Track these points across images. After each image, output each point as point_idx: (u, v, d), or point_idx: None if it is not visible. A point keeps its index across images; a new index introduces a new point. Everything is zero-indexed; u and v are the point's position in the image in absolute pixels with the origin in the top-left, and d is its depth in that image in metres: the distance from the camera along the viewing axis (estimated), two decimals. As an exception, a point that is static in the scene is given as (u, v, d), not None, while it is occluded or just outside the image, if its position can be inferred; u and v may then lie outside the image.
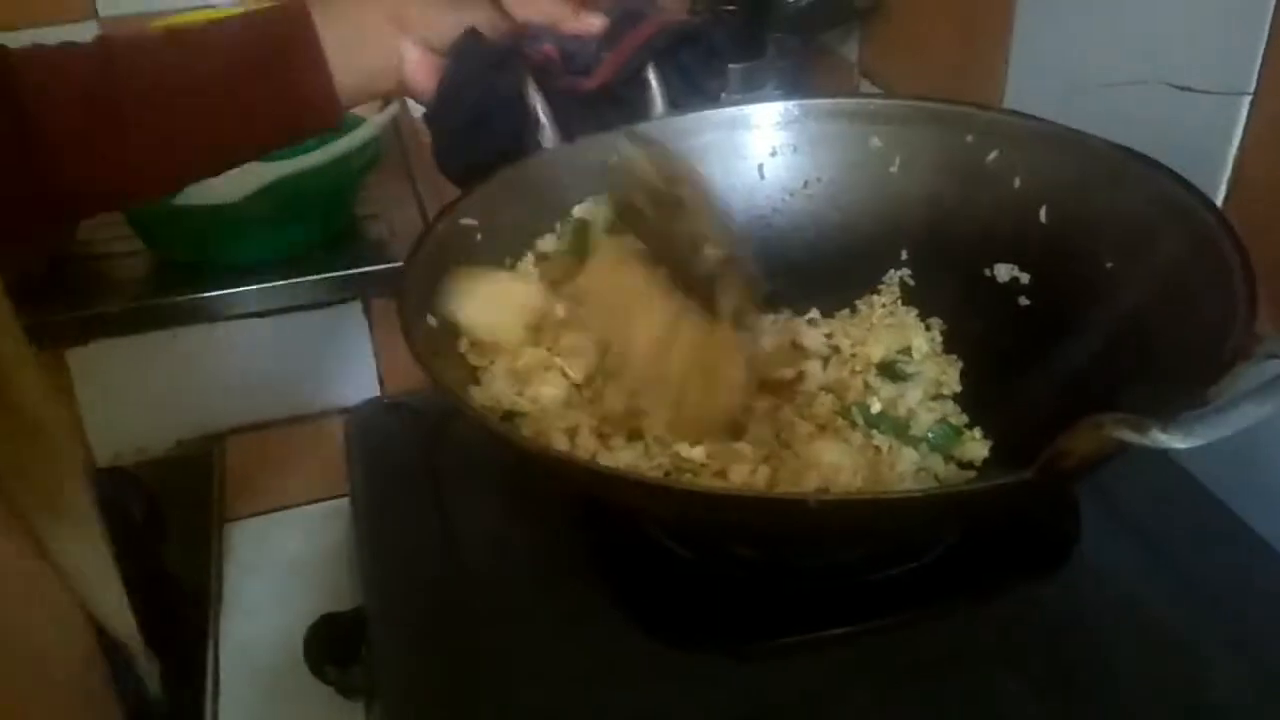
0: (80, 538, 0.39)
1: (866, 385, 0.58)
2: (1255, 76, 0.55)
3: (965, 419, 0.57)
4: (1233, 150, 0.57)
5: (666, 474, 0.50)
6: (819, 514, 0.38)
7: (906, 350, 0.61)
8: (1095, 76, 0.66)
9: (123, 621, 0.41)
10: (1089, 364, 0.53)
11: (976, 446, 0.55)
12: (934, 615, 0.50)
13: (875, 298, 0.64)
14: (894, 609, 0.50)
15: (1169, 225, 0.51)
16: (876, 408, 0.56)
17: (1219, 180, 0.58)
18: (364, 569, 0.57)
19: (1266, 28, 0.54)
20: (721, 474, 0.50)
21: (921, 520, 0.44)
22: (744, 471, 0.50)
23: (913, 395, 0.57)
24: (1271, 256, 0.46)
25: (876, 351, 0.60)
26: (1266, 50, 0.54)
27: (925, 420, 0.56)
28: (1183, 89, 0.59)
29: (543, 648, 0.51)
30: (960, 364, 0.60)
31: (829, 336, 0.62)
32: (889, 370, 0.59)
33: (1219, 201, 0.58)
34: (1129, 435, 0.35)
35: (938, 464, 0.54)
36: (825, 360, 0.60)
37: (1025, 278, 0.59)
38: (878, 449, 0.54)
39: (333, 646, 0.59)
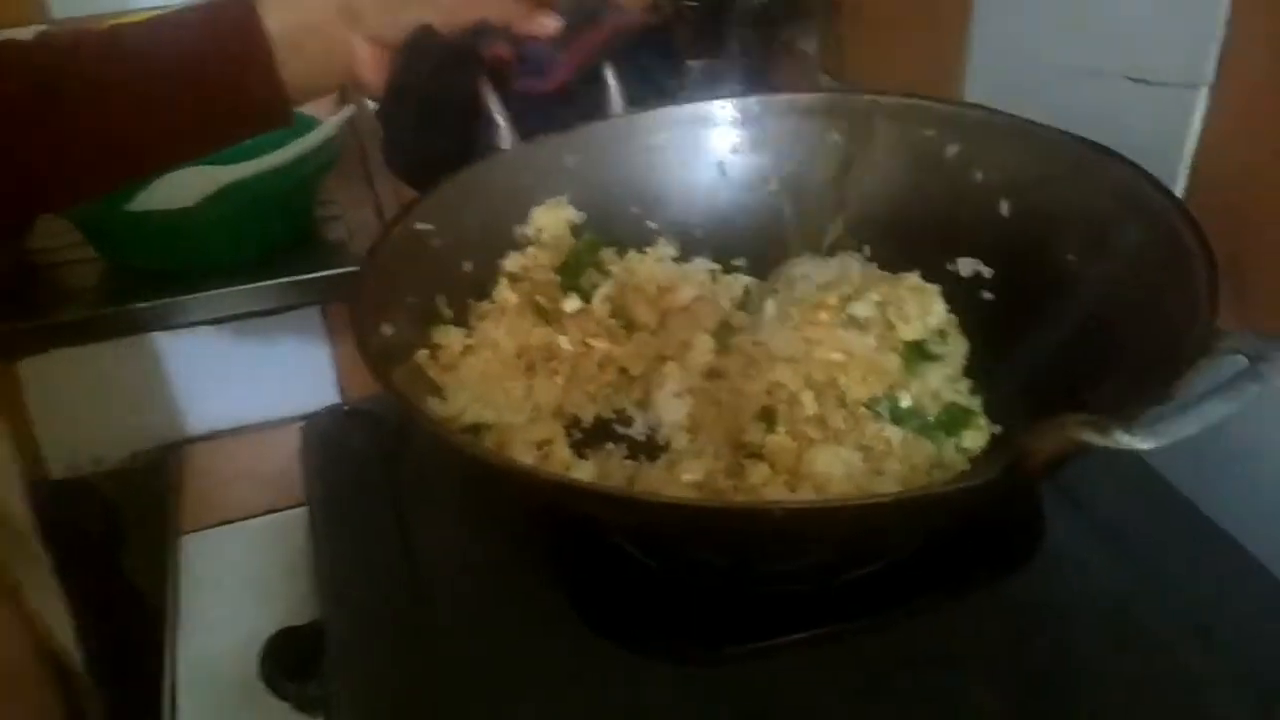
0: (17, 553, 0.38)
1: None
2: (1213, 68, 0.55)
3: (978, 400, 0.55)
4: (1191, 142, 0.57)
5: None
6: (783, 523, 0.37)
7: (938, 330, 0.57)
8: (1055, 68, 0.65)
9: (64, 637, 0.40)
10: (1054, 359, 0.53)
11: (979, 435, 0.53)
12: (899, 617, 0.50)
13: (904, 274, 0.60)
14: (858, 612, 0.49)
15: (1130, 218, 0.51)
16: (906, 402, 0.53)
17: (1178, 172, 0.58)
18: (321, 581, 0.56)
19: (1224, 19, 0.54)
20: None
21: (888, 525, 0.43)
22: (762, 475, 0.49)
23: (934, 377, 0.54)
24: (1230, 249, 0.46)
25: (909, 330, 0.56)
26: (1224, 41, 0.54)
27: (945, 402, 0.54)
28: (1141, 81, 0.59)
29: (504, 659, 0.49)
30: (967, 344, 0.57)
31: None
32: (919, 350, 0.55)
33: (1178, 193, 0.58)
34: (1092, 437, 0.34)
35: (950, 453, 0.52)
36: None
37: (988, 272, 0.58)
38: (888, 442, 0.52)
39: (290, 661, 0.57)
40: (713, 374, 0.56)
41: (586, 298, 0.60)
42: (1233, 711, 0.45)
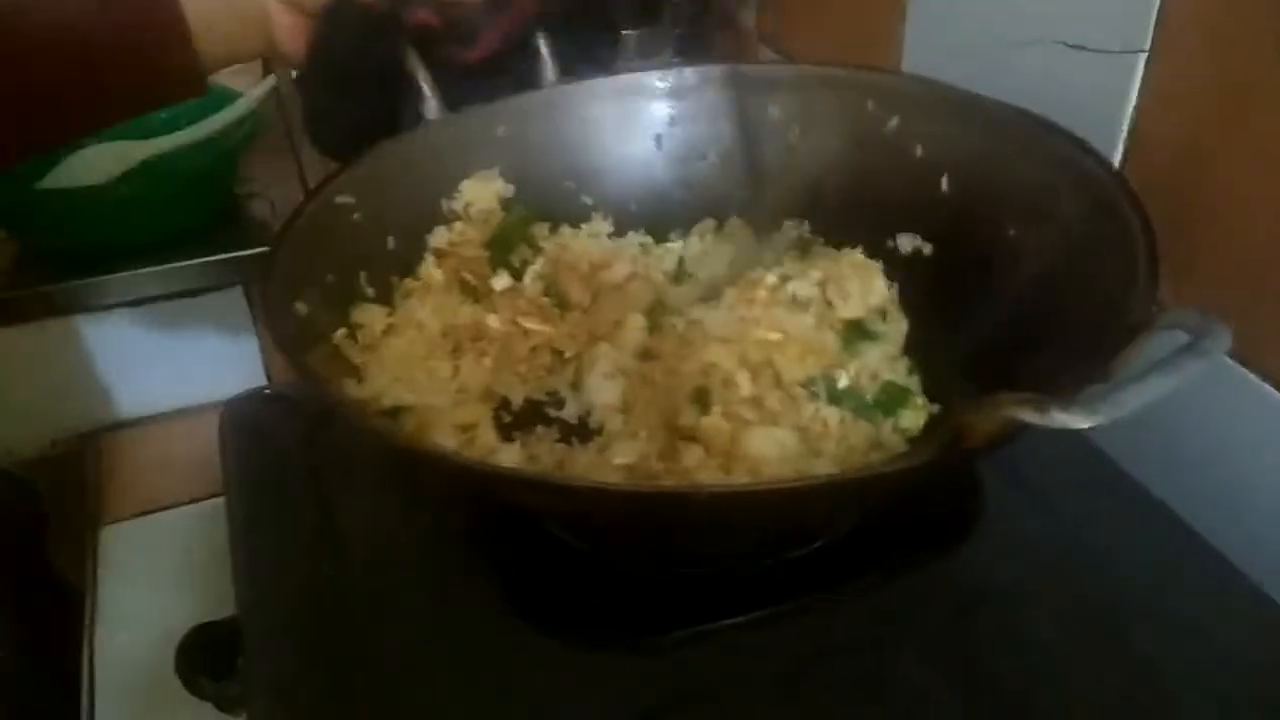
0: None
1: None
2: (1150, 34, 0.54)
3: (916, 379, 0.54)
4: (1129, 110, 0.56)
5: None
6: (710, 507, 0.35)
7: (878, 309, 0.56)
8: (992, 36, 0.64)
9: None
10: (994, 336, 0.52)
11: (917, 415, 0.52)
12: (836, 598, 0.49)
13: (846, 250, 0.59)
14: (794, 593, 0.48)
15: (1069, 190, 0.50)
16: (843, 383, 0.52)
17: (1116, 140, 0.57)
18: (237, 574, 0.53)
19: (1161, -15, 0.53)
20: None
21: (821, 508, 0.42)
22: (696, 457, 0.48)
23: (872, 356, 0.54)
24: (1169, 220, 0.45)
25: (848, 309, 0.55)
26: (1161, 8, 0.53)
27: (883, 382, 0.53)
28: (1078, 48, 0.58)
29: (429, 651, 0.48)
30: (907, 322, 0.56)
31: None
32: (858, 329, 0.55)
33: (1117, 161, 0.57)
34: (1029, 415, 0.33)
35: (888, 434, 0.51)
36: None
37: (928, 248, 0.58)
38: (825, 423, 0.51)
39: (208, 658, 0.55)
40: (646, 355, 0.55)
41: (517, 275, 0.58)
42: (1182, 686, 0.45)
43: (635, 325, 0.55)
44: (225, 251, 0.84)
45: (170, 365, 0.89)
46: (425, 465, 0.43)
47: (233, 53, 0.58)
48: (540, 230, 0.60)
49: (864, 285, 0.56)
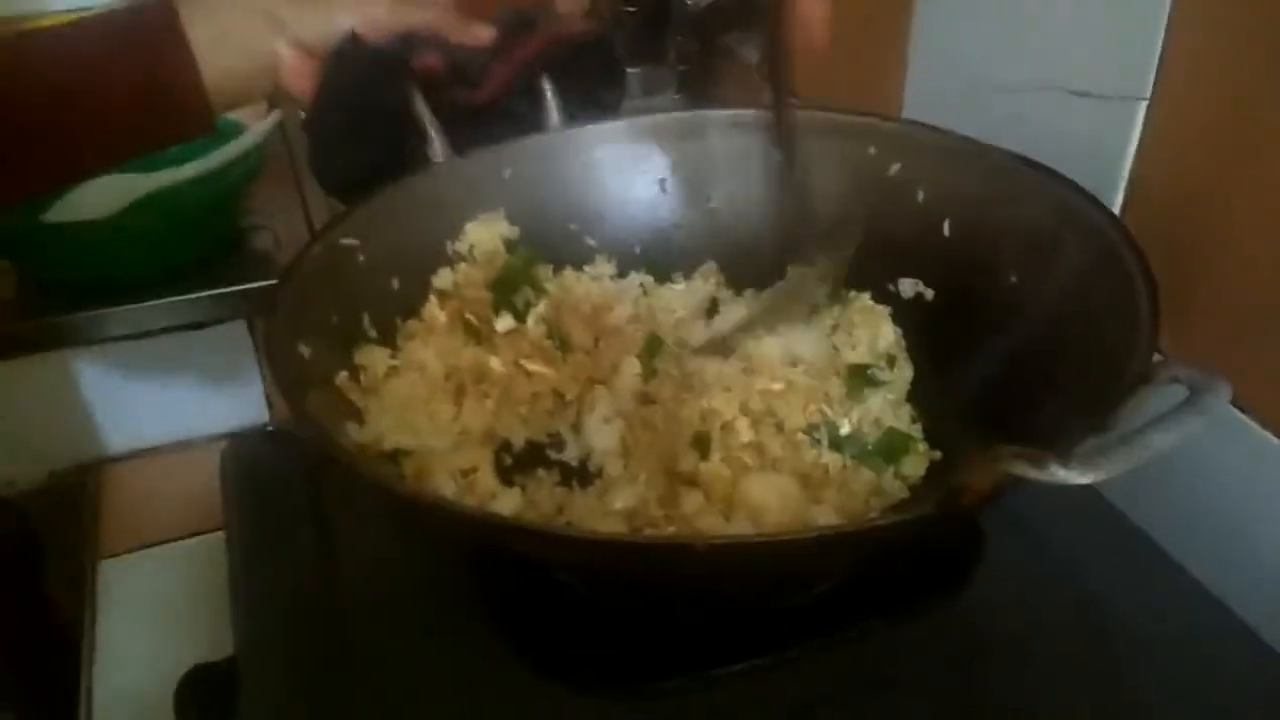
0: None
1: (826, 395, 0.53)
2: (1151, 82, 0.55)
3: (918, 426, 0.54)
4: (1129, 156, 0.57)
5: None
6: (707, 559, 0.35)
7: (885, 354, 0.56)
8: (994, 81, 0.65)
9: None
10: (995, 383, 0.52)
11: (919, 462, 0.52)
12: (838, 643, 0.48)
13: (854, 294, 0.59)
14: (795, 639, 0.48)
15: (1071, 237, 0.50)
16: (845, 429, 0.52)
17: (1117, 187, 0.58)
18: (237, 613, 0.53)
19: (1162, 33, 0.54)
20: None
21: (818, 559, 0.42)
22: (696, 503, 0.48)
23: (875, 402, 0.54)
24: (1168, 267, 0.45)
25: (854, 355, 0.56)
26: (1162, 55, 0.54)
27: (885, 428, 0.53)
28: (1080, 94, 0.59)
29: (429, 693, 0.47)
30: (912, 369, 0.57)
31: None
32: (862, 375, 0.55)
33: (1117, 208, 0.58)
34: (1027, 470, 0.33)
35: (889, 481, 0.51)
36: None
37: (929, 294, 0.58)
38: (826, 469, 0.51)
39: (206, 699, 0.54)
40: (645, 399, 0.55)
41: (520, 317, 0.58)
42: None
43: (631, 370, 0.55)
44: (228, 285, 0.84)
45: (172, 398, 0.89)
46: (424, 513, 0.43)
47: (241, 93, 0.59)
48: (544, 272, 0.60)
49: (872, 331, 0.56)
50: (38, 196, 0.60)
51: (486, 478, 0.49)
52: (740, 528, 0.47)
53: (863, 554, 0.43)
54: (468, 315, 0.57)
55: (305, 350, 0.49)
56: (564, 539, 0.39)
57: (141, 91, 0.55)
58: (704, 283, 0.63)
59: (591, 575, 0.48)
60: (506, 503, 0.48)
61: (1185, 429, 0.35)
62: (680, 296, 0.62)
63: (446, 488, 0.48)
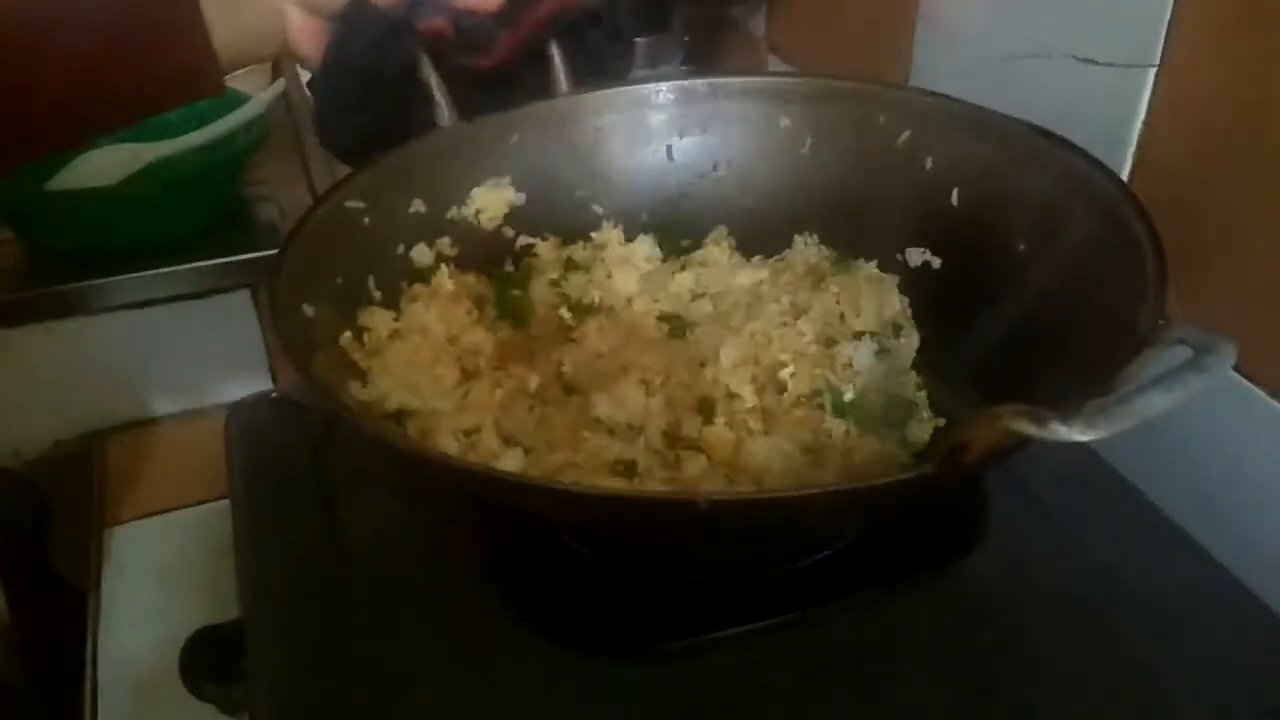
0: None
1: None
2: (1160, 48, 0.54)
3: (924, 394, 0.54)
4: (1138, 124, 0.57)
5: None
6: (709, 514, 0.35)
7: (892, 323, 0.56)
8: (1001, 49, 0.65)
9: None
10: (1002, 349, 0.52)
11: (923, 428, 0.52)
12: (841, 608, 0.49)
13: (860, 263, 0.59)
14: (800, 603, 0.48)
15: (1079, 205, 0.50)
16: (849, 395, 0.52)
17: (1124, 154, 0.58)
18: (242, 578, 0.53)
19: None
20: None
21: (821, 519, 0.42)
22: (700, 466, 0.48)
23: (881, 370, 0.54)
24: (1174, 233, 0.45)
25: (860, 323, 0.56)
26: (1171, 21, 0.54)
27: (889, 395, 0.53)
28: (1088, 61, 0.58)
29: (433, 656, 0.48)
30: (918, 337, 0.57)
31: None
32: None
33: (1125, 176, 0.57)
34: (1028, 428, 0.33)
35: (893, 447, 0.51)
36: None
37: (937, 261, 0.58)
38: (830, 435, 0.51)
39: (213, 661, 0.55)
40: (648, 371, 0.54)
41: (522, 319, 0.57)
42: (1184, 703, 0.45)
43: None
44: (232, 254, 0.84)
45: (176, 367, 0.89)
46: (427, 470, 0.43)
47: (250, 52, 0.58)
48: (549, 245, 0.60)
49: (878, 299, 0.56)
50: (44, 160, 0.59)
51: (490, 438, 0.49)
52: (742, 489, 0.47)
53: (865, 514, 0.43)
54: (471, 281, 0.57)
55: (309, 310, 0.49)
56: (566, 494, 0.39)
57: (149, 48, 0.54)
58: (715, 247, 0.62)
59: (597, 535, 0.48)
60: (510, 462, 0.48)
61: (1189, 388, 0.35)
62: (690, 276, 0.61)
63: (450, 447, 0.48)
